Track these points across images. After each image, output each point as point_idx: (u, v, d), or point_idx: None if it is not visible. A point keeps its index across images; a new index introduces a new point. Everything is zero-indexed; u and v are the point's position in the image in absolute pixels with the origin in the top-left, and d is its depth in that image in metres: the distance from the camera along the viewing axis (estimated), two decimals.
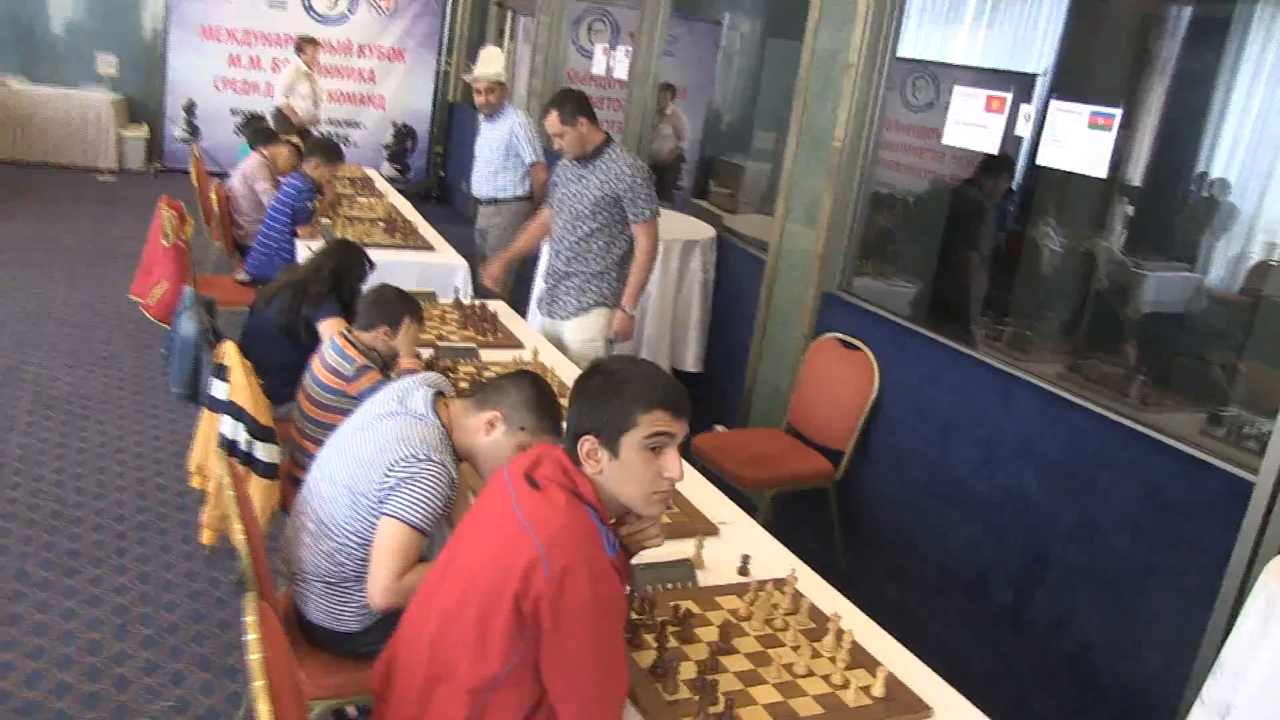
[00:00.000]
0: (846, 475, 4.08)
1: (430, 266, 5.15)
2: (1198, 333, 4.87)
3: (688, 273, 4.99)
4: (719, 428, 5.09)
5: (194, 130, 10.76)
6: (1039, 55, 6.48)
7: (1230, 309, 4.97)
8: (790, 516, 4.11)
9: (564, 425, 1.92)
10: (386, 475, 2.19)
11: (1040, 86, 6.21)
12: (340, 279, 3.67)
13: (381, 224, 5.70)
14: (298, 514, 2.40)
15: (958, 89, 3.79)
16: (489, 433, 2.28)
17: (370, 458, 2.23)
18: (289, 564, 2.39)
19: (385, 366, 3.24)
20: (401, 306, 3.16)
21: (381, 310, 3.13)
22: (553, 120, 3.94)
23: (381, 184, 7.16)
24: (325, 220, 5.49)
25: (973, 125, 3.72)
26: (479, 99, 5.67)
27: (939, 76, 6.64)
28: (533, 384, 2.31)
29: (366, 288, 3.88)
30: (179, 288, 4.93)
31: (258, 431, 2.89)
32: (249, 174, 5.85)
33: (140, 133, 10.64)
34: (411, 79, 11.33)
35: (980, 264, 4.81)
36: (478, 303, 4.27)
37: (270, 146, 5.98)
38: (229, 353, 3.05)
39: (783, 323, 4.67)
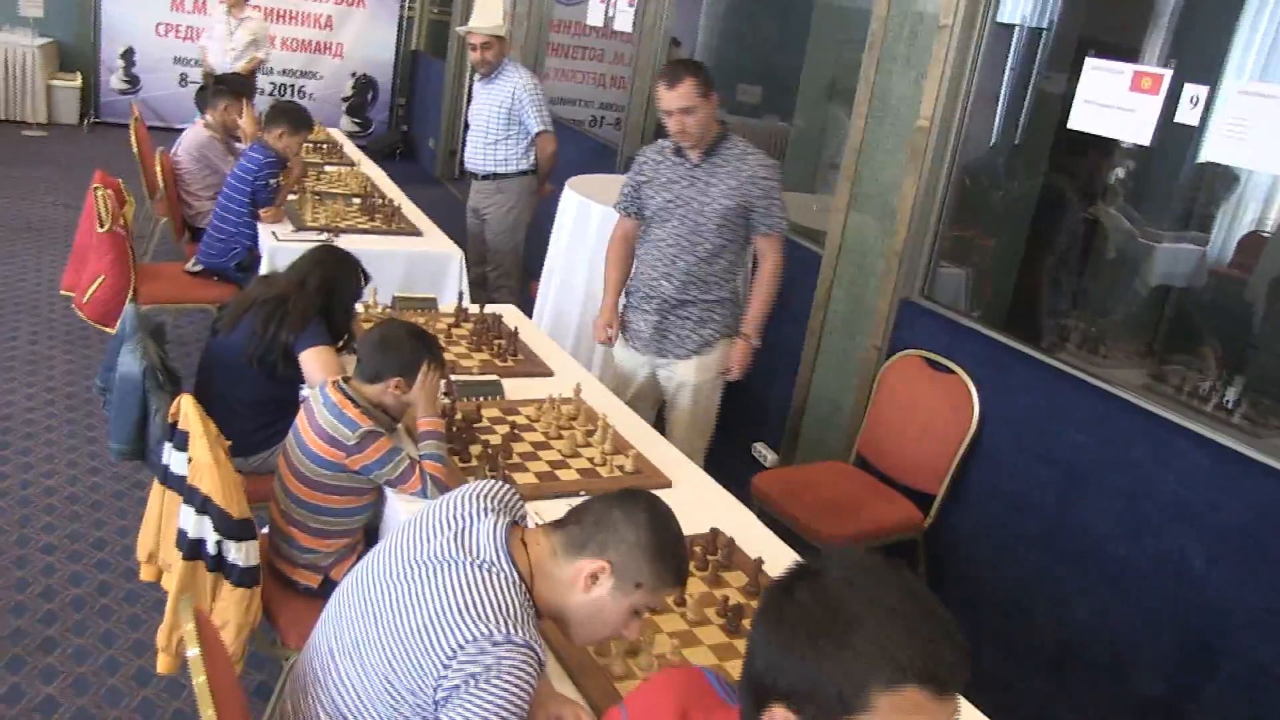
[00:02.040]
0: (936, 521, 3.42)
1: (420, 257, 4.35)
2: None
3: None
4: (760, 447, 4.40)
5: (133, 80, 9.74)
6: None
7: None
8: None
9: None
10: (446, 667, 1.46)
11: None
12: (329, 296, 2.89)
13: (357, 201, 4.87)
14: (301, 692, 1.66)
15: (1090, 62, 3.07)
16: (589, 588, 1.56)
17: (417, 636, 1.50)
18: None
19: (393, 422, 2.49)
20: (418, 351, 2.40)
21: (392, 357, 2.37)
22: (686, 91, 3.02)
23: (351, 149, 6.30)
24: (292, 196, 4.66)
25: (1111, 108, 3.01)
26: (474, 56, 4.84)
27: None
28: (651, 519, 1.57)
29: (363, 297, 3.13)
30: (119, 283, 4.11)
31: (230, 529, 2.13)
32: (198, 147, 4.97)
33: (72, 82, 9.58)
34: (372, 25, 10.36)
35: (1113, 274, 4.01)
36: (488, 311, 3.51)
37: (220, 109, 5.09)
38: (187, 413, 2.28)
39: (846, 331, 3.96)
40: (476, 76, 4.95)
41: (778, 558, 2.27)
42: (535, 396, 2.93)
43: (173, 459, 2.34)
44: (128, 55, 9.66)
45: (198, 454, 2.17)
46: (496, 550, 1.56)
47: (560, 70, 9.33)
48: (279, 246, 4.12)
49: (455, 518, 1.62)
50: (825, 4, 5.72)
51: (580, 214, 4.17)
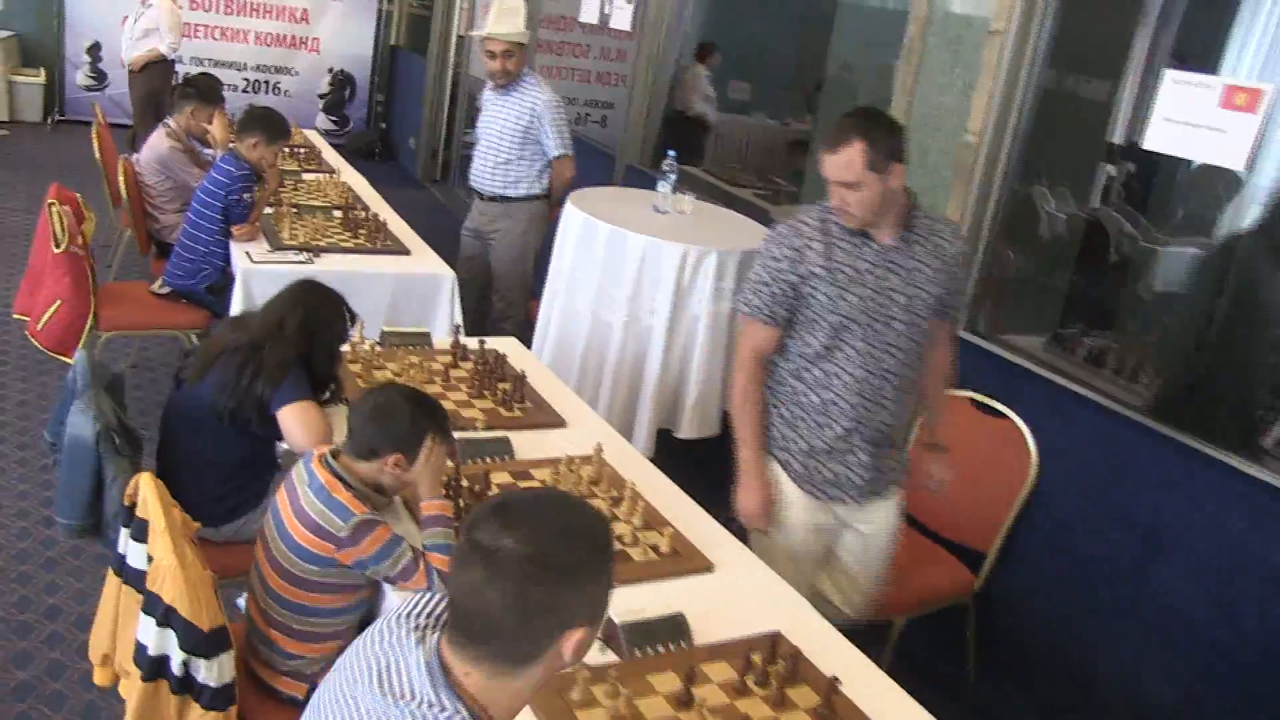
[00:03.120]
0: (987, 583, 3.09)
1: (408, 280, 3.97)
2: None
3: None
4: None
5: (100, 76, 9.27)
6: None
7: None
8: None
9: None
10: None
11: None
12: (311, 341, 2.51)
13: (338, 214, 4.48)
14: None
15: (1171, 75, 2.74)
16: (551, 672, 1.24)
17: None
18: None
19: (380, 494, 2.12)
20: (421, 422, 2.02)
21: (390, 430, 1.99)
22: (850, 160, 2.22)
23: (331, 154, 5.89)
24: (267, 210, 4.26)
25: (1198, 127, 2.67)
26: (492, 65, 4.35)
27: None
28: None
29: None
30: (77, 309, 3.72)
31: (199, 645, 1.76)
32: (159, 159, 4.55)
33: (35, 78, 9.11)
34: (350, 20, 9.92)
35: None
36: (489, 348, 3.13)
37: (186, 114, 4.67)
38: (148, 496, 1.90)
39: None
40: (489, 85, 4.50)
41: (852, 668, 1.92)
42: (549, 455, 2.57)
43: (130, 549, 1.96)
44: (94, 50, 9.18)
45: (159, 553, 1.79)
46: (434, 687, 1.22)
47: (542, 66, 8.94)
48: (254, 269, 3.73)
49: (377, 654, 1.30)
50: (851, 4, 5.37)
51: (585, 233, 3.80)
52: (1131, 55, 3.73)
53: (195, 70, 9.37)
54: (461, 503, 2.24)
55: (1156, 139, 2.77)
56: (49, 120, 9.10)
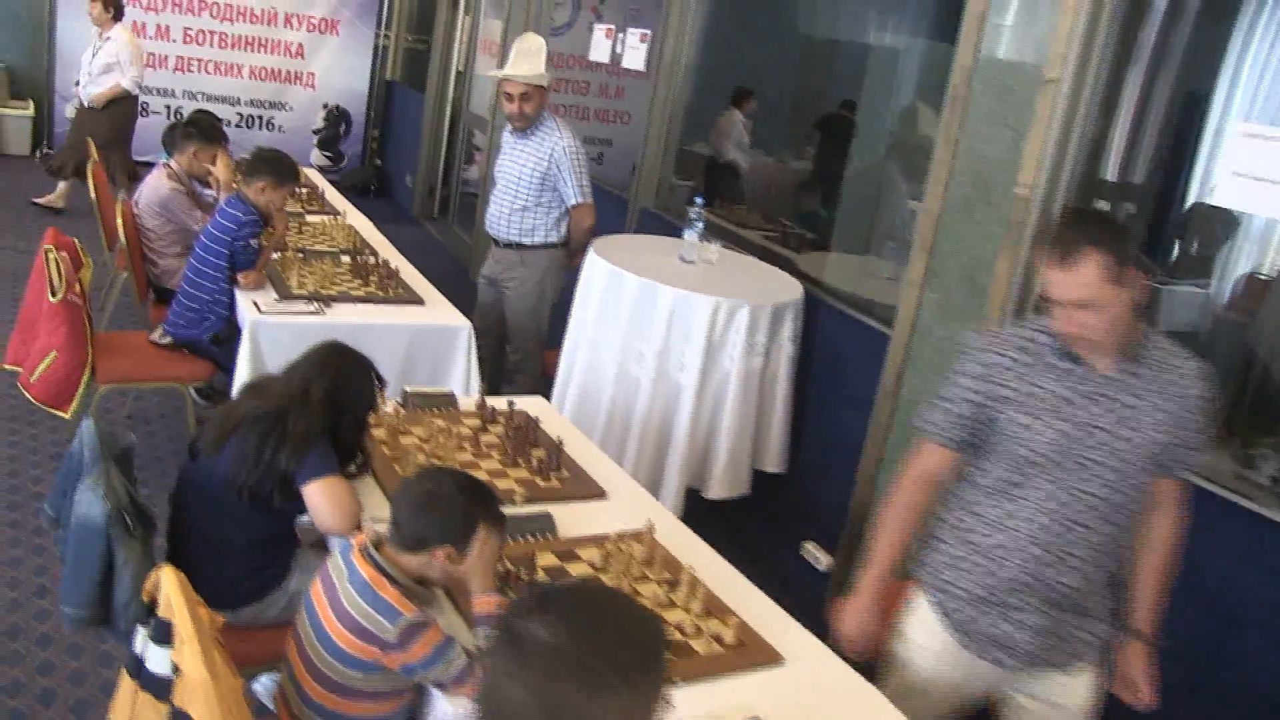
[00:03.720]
0: None
1: (423, 332, 3.79)
2: None
3: (776, 345, 3.73)
4: (812, 548, 3.89)
5: None
6: None
7: None
8: None
9: None
10: None
11: None
12: (338, 410, 2.33)
13: (347, 260, 4.30)
14: None
15: (1244, 128, 2.61)
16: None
17: None
18: None
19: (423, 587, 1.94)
20: (474, 510, 1.84)
21: (441, 520, 1.81)
22: (1090, 278, 1.87)
23: (334, 195, 5.70)
24: (275, 255, 4.08)
25: (1275, 184, 2.54)
26: (510, 108, 4.19)
27: None
28: None
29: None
30: (73, 360, 3.52)
31: None
32: (159, 202, 4.36)
33: (24, 111, 8.90)
34: (345, 54, 9.76)
35: None
36: (519, 409, 2.96)
37: (189, 154, 4.48)
38: (171, 595, 1.71)
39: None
40: (508, 128, 4.33)
41: None
42: (594, 532, 2.39)
43: (149, 653, 1.77)
44: None
45: (188, 666, 1.60)
46: None
47: None
48: (262, 320, 3.55)
49: None
50: (884, 48, 5.26)
51: (611, 284, 3.64)
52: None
53: (189, 106, 9.27)
54: (505, 588, 2.05)
55: (1228, 195, 2.64)
56: (37, 154, 8.88)
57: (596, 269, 3.72)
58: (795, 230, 5.93)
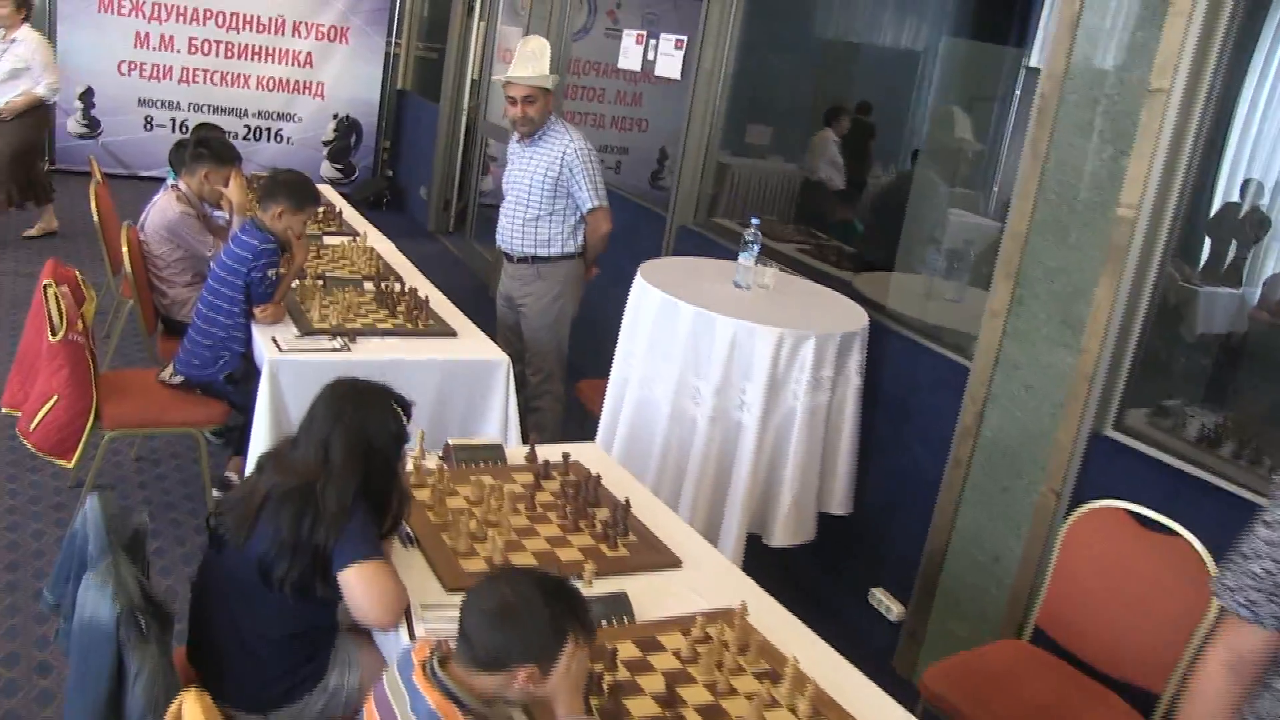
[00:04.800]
0: None
1: (458, 368, 3.48)
2: None
3: (843, 379, 3.42)
4: (880, 594, 3.58)
5: (93, 124, 8.80)
6: None
7: None
8: None
9: None
10: None
11: None
12: (365, 462, 2.01)
13: (370, 287, 4.01)
14: None
15: None
16: None
17: None
18: None
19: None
20: (561, 621, 1.53)
21: (522, 633, 1.51)
22: None
23: (352, 214, 5.40)
24: (294, 282, 3.78)
25: None
26: (513, 112, 3.97)
27: None
28: None
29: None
30: (76, 405, 3.24)
31: None
32: (168, 227, 4.06)
33: None
34: (355, 63, 9.48)
35: None
36: (572, 461, 2.65)
37: (200, 176, 4.17)
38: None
39: (1008, 466, 3.15)
40: (514, 137, 4.09)
41: None
42: (672, 611, 2.08)
43: None
44: (86, 96, 8.71)
45: None
46: None
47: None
48: (283, 360, 3.25)
49: None
50: (956, 50, 4.96)
51: (663, 314, 3.33)
52: None
53: (195, 119, 8.99)
54: (594, 702, 1.75)
55: None
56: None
57: (647, 298, 3.41)
58: (829, 242, 5.62)
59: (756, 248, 3.57)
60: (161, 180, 4.55)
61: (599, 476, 2.53)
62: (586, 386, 4.15)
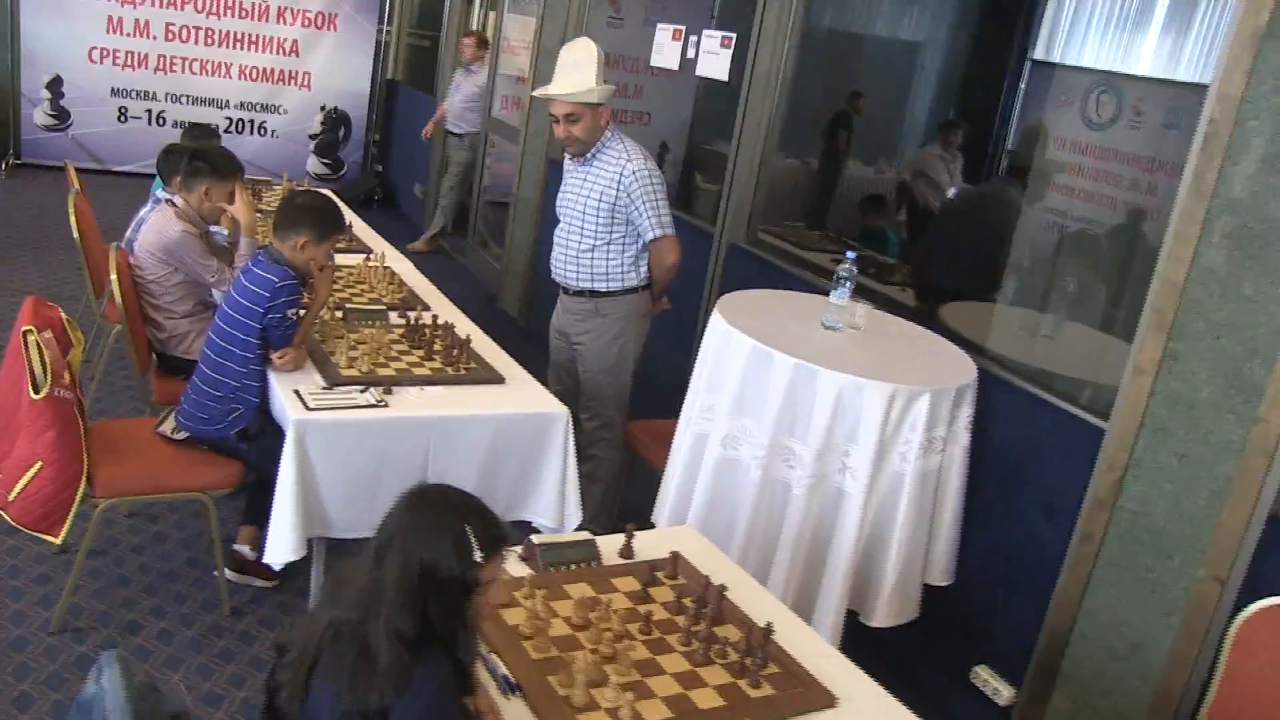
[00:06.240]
0: None
1: (511, 422, 3.01)
2: None
3: (952, 437, 2.99)
4: (984, 674, 3.18)
5: (61, 115, 8.20)
6: None
7: None
8: None
9: None
10: None
11: None
12: (426, 605, 1.55)
13: (397, 319, 3.53)
14: None
15: None
16: None
17: None
18: None
19: None
20: None
21: None
22: None
23: (364, 228, 4.88)
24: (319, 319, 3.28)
25: None
26: (558, 131, 3.49)
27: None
28: None
29: None
30: (64, 473, 2.77)
31: None
32: (166, 249, 3.54)
33: None
34: (345, 52, 8.93)
35: None
36: (681, 560, 2.20)
37: (200, 193, 3.64)
38: None
39: (1154, 545, 2.73)
40: (567, 155, 3.62)
41: None
42: None
43: None
44: (55, 85, 8.12)
45: None
46: None
47: None
48: (310, 420, 2.76)
49: None
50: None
51: (754, 366, 2.87)
52: None
53: (172, 110, 8.41)
54: None
55: None
56: (3, 165, 7.99)
57: (732, 344, 2.96)
58: (862, 250, 5.16)
59: (850, 284, 3.12)
60: (136, 176, 4.02)
61: (722, 588, 2.07)
62: (639, 430, 3.70)
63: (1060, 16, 6.28)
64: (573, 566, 2.16)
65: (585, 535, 2.27)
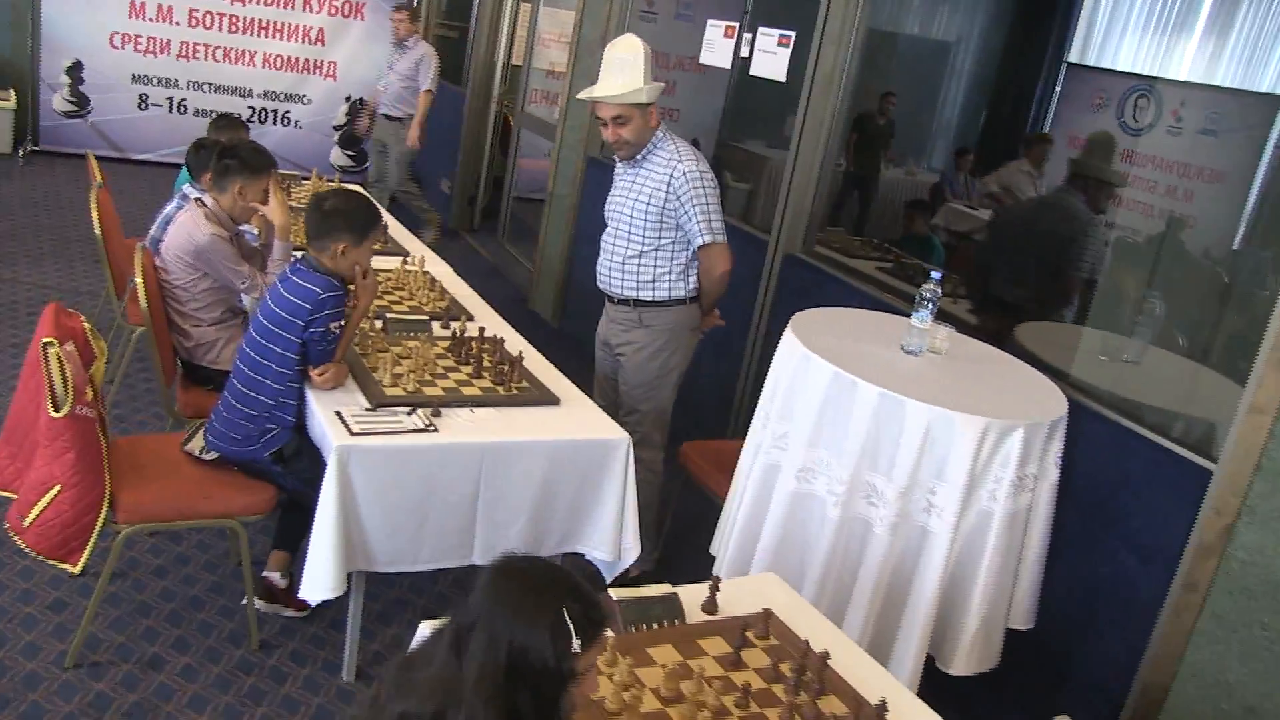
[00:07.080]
0: None
1: (569, 450, 2.79)
2: None
3: (1043, 473, 2.75)
4: None
5: (81, 101, 8.00)
6: None
7: None
8: None
9: None
10: None
11: None
12: (513, 689, 1.34)
13: (442, 333, 3.31)
14: None
15: None
16: None
17: None
18: None
19: None
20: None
21: None
22: None
23: (398, 229, 4.66)
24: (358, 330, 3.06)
25: None
26: (605, 134, 3.28)
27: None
28: None
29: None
30: (85, 497, 2.55)
31: None
32: (195, 253, 3.32)
33: (5, 102, 7.79)
34: (370, 42, 8.68)
35: None
36: (773, 619, 1.97)
37: (233, 192, 3.41)
38: None
39: (1271, 600, 2.50)
40: (617, 159, 3.40)
41: None
42: None
43: None
44: (75, 70, 7.91)
45: None
46: None
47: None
48: (354, 446, 2.55)
49: None
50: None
51: (834, 395, 2.64)
52: None
53: (195, 98, 8.20)
54: None
55: None
56: (21, 151, 7.79)
57: (810, 369, 2.73)
58: (908, 259, 4.91)
59: (934, 307, 2.89)
60: (155, 165, 3.80)
61: (826, 655, 1.85)
62: (693, 451, 3.48)
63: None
64: (655, 626, 1.94)
65: (667, 588, 2.04)
